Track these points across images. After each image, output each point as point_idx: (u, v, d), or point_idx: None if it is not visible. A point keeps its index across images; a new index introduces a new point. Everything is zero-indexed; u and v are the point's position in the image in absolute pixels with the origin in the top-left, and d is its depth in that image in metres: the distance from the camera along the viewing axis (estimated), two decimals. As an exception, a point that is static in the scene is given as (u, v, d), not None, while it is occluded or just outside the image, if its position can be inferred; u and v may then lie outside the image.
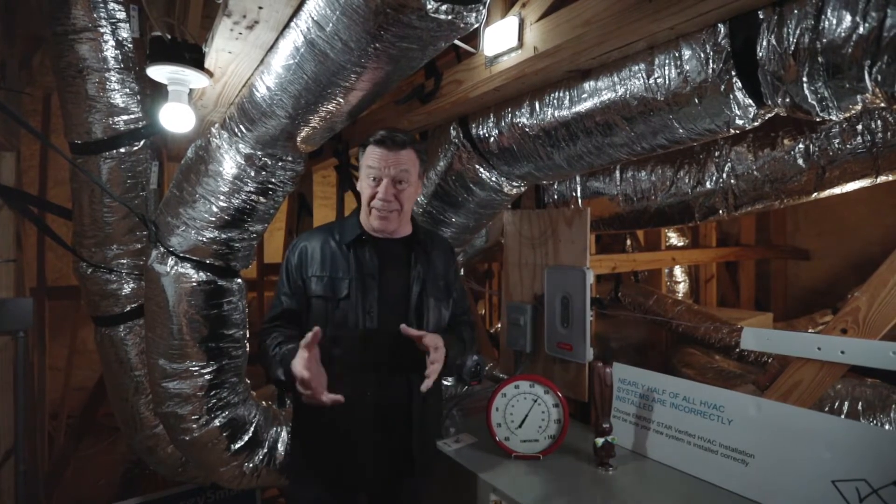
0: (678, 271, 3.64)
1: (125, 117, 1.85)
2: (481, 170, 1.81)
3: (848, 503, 1.19)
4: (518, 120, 1.60)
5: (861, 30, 0.94)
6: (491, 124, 1.69)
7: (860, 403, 1.86)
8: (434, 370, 1.24)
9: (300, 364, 1.17)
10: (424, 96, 1.77)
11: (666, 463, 1.54)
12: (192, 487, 2.26)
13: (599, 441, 1.51)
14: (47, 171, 3.50)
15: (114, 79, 1.81)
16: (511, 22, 1.40)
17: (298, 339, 1.25)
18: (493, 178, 1.83)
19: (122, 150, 1.86)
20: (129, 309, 1.99)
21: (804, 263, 3.89)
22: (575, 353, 1.82)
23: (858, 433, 1.22)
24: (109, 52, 1.78)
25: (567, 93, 1.46)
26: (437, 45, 1.13)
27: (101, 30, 1.76)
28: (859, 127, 1.56)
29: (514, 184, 1.87)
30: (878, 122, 1.53)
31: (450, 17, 1.00)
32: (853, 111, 1.09)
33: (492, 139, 1.71)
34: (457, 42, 1.48)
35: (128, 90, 1.84)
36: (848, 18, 0.95)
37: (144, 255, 1.89)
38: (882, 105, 1.04)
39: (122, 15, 1.80)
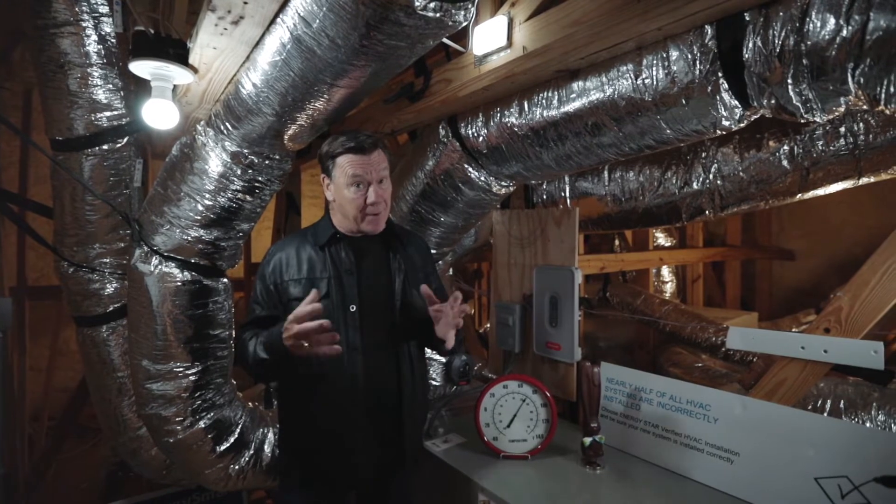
0: (665, 271, 3.67)
1: (108, 113, 1.81)
2: (470, 169, 1.81)
3: (830, 499, 1.20)
4: (507, 119, 1.60)
5: (844, 33, 0.95)
6: (480, 124, 1.69)
7: (842, 401, 1.89)
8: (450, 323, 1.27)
9: (304, 308, 1.15)
10: (413, 95, 1.76)
11: (653, 462, 1.55)
12: (176, 490, 2.23)
13: (587, 440, 1.51)
14: (28, 169, 3.43)
15: (96, 74, 1.77)
16: (500, 21, 1.40)
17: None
18: (482, 178, 1.83)
19: (105, 146, 1.82)
20: (111, 309, 1.96)
21: (789, 264, 3.95)
22: (563, 352, 1.83)
23: (840, 431, 1.23)
24: (92, 46, 1.75)
25: (556, 93, 1.46)
26: (426, 43, 1.13)
27: (84, 24, 1.72)
28: (842, 129, 1.58)
29: (503, 183, 1.87)
30: (861, 124, 1.55)
31: (438, 15, 1.00)
32: (836, 113, 1.10)
33: (481, 138, 1.70)
34: (446, 41, 1.48)
35: (111, 86, 1.81)
36: (832, 21, 0.96)
37: (128, 254, 1.85)
38: (864, 107, 1.06)
39: (104, 9, 1.76)
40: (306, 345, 1.15)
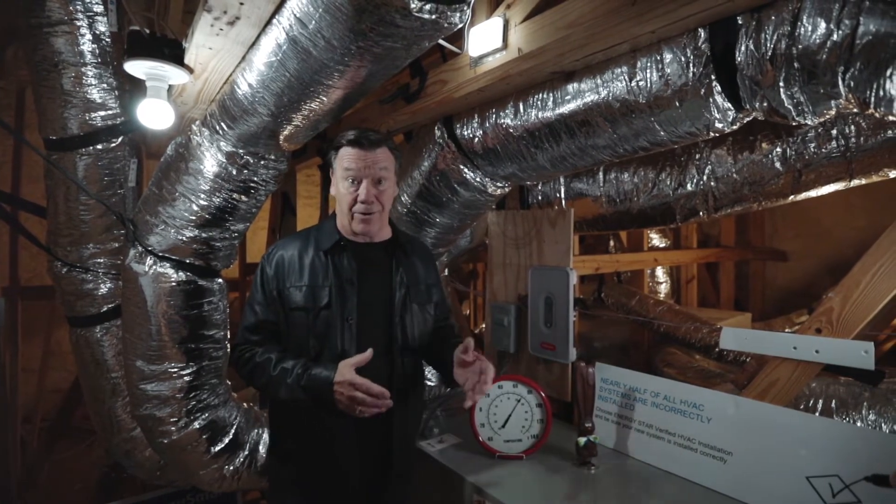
0: (660, 272, 3.69)
1: (102, 113, 1.81)
2: (465, 170, 1.81)
3: (822, 498, 1.22)
4: (502, 121, 1.60)
5: (835, 37, 0.96)
6: (475, 125, 1.70)
7: (833, 401, 1.90)
8: (480, 392, 1.27)
9: (349, 372, 1.18)
10: (409, 96, 1.77)
11: (647, 461, 1.56)
12: (170, 491, 2.23)
13: (582, 440, 1.52)
14: (21, 168, 3.40)
15: (91, 73, 1.76)
16: (496, 23, 1.40)
17: (291, 356, 1.26)
18: (478, 179, 1.83)
19: (100, 146, 1.82)
20: (105, 309, 1.95)
21: (781, 264, 3.97)
22: (558, 352, 1.83)
23: (832, 430, 1.25)
24: (86, 45, 1.74)
25: (551, 94, 1.47)
26: (422, 44, 1.13)
27: (78, 23, 1.72)
28: (834, 131, 1.59)
29: (499, 184, 1.87)
30: (852, 126, 1.56)
31: (434, 17, 1.00)
32: (828, 116, 1.11)
33: (476, 139, 1.71)
34: (442, 42, 1.48)
35: (105, 85, 1.80)
36: (822, 25, 0.97)
37: (122, 254, 1.85)
38: (855, 110, 1.07)
39: (99, 8, 1.76)
40: (360, 408, 1.17)
